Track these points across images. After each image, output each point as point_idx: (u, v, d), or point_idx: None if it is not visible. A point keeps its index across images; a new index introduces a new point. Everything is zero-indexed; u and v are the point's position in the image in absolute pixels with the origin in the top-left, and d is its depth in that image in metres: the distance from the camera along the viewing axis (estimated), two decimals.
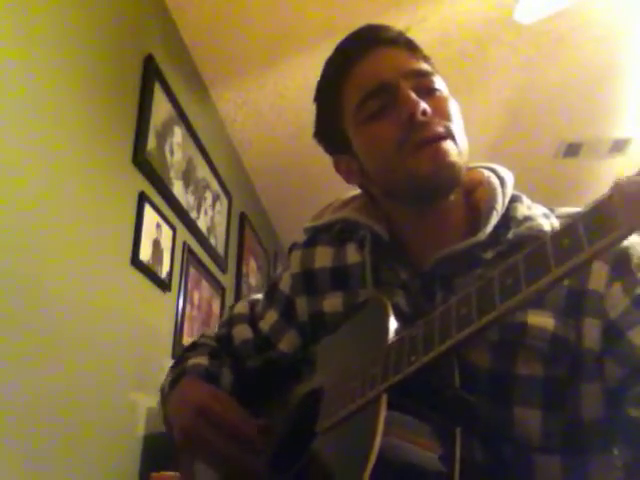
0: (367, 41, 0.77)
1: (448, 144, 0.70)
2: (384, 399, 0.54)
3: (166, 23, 2.25)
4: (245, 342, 0.88)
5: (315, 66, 0.85)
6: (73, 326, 1.47)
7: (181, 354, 0.92)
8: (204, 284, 2.58)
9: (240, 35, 2.39)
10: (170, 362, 2.15)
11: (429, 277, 0.73)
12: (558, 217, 0.73)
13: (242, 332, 0.89)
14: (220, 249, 2.81)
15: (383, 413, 0.53)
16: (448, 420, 0.55)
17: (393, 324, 0.63)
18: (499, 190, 0.75)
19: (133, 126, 1.90)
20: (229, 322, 0.92)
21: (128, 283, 1.82)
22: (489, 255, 0.70)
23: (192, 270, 2.41)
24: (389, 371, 0.56)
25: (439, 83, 0.76)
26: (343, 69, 0.78)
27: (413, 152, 0.70)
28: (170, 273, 2.13)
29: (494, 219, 0.72)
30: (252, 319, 0.89)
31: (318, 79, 0.82)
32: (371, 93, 0.74)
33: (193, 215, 2.41)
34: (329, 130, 0.82)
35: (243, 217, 3.28)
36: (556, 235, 0.47)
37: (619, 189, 0.43)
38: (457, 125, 0.73)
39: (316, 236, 0.86)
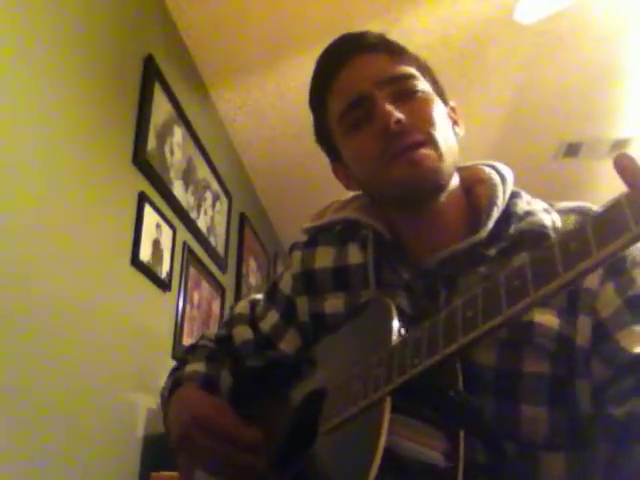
0: (345, 51, 0.78)
1: (425, 150, 0.70)
2: (388, 401, 0.54)
3: (166, 23, 2.25)
4: (245, 342, 0.88)
5: None
6: (73, 326, 1.47)
7: (181, 357, 0.92)
8: (204, 284, 2.58)
9: (240, 35, 2.38)
10: (170, 362, 2.16)
11: (432, 277, 0.73)
12: (558, 212, 0.73)
13: (242, 333, 0.89)
14: (220, 249, 2.81)
15: (387, 415, 0.53)
16: (451, 422, 0.55)
17: (396, 325, 0.63)
18: (500, 186, 0.75)
19: (133, 126, 1.90)
20: (229, 322, 0.92)
21: (128, 283, 1.82)
22: (492, 252, 0.70)
23: (192, 270, 2.41)
24: (393, 373, 0.56)
25: (421, 84, 0.75)
26: (325, 81, 0.79)
27: (392, 162, 0.71)
28: (170, 273, 2.13)
29: (495, 215, 0.72)
30: (253, 319, 0.90)
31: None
32: (349, 106, 0.74)
33: (193, 215, 2.41)
34: (324, 138, 0.83)
35: (243, 217, 3.28)
36: (564, 239, 0.46)
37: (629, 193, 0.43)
38: (439, 127, 0.73)
39: (317, 236, 0.86)
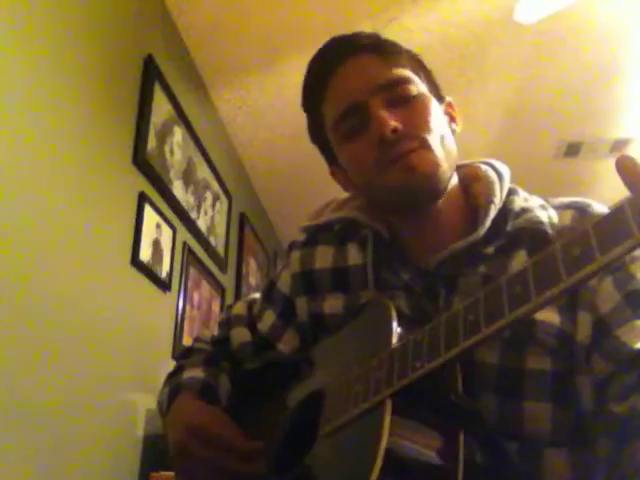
0: (336, 55, 0.76)
1: (422, 156, 0.69)
2: (389, 404, 0.54)
3: (166, 23, 2.25)
4: (243, 345, 0.88)
5: None
6: (73, 326, 1.47)
7: (177, 363, 0.92)
8: (204, 284, 2.58)
9: (240, 35, 2.38)
10: (170, 362, 2.15)
11: (432, 277, 0.72)
12: (555, 208, 0.73)
13: (240, 335, 0.88)
14: (220, 249, 2.81)
15: (388, 417, 0.52)
16: (451, 424, 0.55)
17: (396, 327, 0.63)
18: (497, 184, 0.75)
19: (133, 126, 1.90)
20: (227, 324, 0.92)
21: (128, 283, 1.82)
22: (490, 250, 0.70)
23: (192, 270, 2.41)
24: (393, 376, 0.56)
25: (416, 88, 0.74)
26: (317, 88, 0.77)
27: (387, 169, 0.70)
28: (170, 273, 2.13)
29: (492, 213, 0.72)
30: (250, 320, 0.89)
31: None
32: (343, 114, 0.73)
33: (193, 215, 2.41)
34: (320, 141, 0.83)
35: (243, 217, 3.28)
36: (567, 243, 0.46)
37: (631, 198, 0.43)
38: (436, 132, 0.72)
39: (316, 235, 0.86)
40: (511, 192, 0.76)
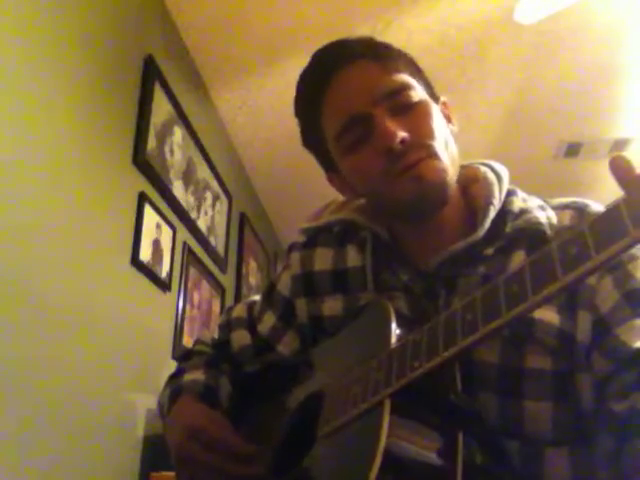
0: (331, 63, 0.74)
1: (430, 165, 0.69)
2: (388, 404, 0.54)
3: (166, 23, 2.25)
4: (244, 348, 0.88)
5: None
6: (73, 326, 1.47)
7: (178, 365, 0.92)
8: (204, 284, 2.58)
9: (240, 35, 2.38)
10: (170, 362, 2.15)
11: (431, 279, 0.73)
12: (554, 208, 0.73)
13: (241, 337, 0.89)
14: (220, 249, 2.81)
15: (387, 417, 0.53)
16: (450, 424, 0.55)
17: (395, 328, 0.63)
18: (496, 185, 0.75)
19: (133, 126, 1.90)
20: (227, 327, 0.92)
21: (128, 283, 1.82)
22: (489, 251, 0.70)
23: (192, 270, 2.41)
24: (392, 376, 0.56)
25: (417, 94, 0.72)
26: (314, 100, 0.75)
27: (396, 179, 0.69)
28: (170, 273, 2.13)
29: (492, 214, 0.72)
30: (250, 323, 0.89)
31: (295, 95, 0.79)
32: (346, 126, 0.71)
33: (193, 215, 2.41)
34: (315, 149, 0.81)
35: (243, 217, 3.28)
36: (563, 242, 0.46)
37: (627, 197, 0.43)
38: (439, 138, 0.71)
39: (316, 237, 0.86)
40: (510, 193, 0.76)
